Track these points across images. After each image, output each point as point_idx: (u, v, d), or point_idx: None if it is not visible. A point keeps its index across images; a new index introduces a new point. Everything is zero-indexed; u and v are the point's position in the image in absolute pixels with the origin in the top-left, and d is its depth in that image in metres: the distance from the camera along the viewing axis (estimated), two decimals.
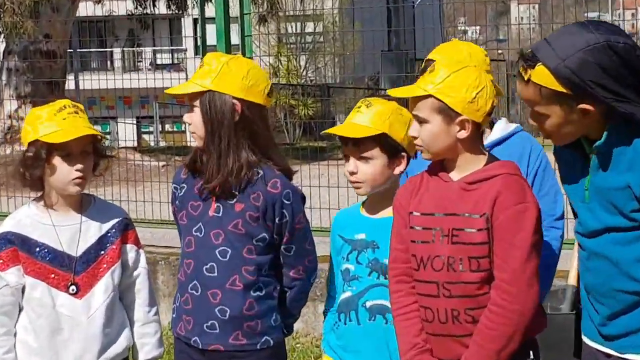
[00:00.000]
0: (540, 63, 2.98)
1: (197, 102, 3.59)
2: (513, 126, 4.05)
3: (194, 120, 3.61)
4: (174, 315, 3.77)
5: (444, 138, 3.23)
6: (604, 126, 3.03)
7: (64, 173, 3.60)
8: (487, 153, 3.32)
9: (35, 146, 3.59)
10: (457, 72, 3.23)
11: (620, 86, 2.95)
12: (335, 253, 3.73)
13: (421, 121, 3.25)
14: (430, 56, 3.83)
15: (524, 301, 3.15)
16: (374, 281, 3.58)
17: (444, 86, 3.21)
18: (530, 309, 3.16)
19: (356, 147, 3.56)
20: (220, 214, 3.63)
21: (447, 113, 3.21)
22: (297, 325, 7.22)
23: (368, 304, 3.58)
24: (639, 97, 2.97)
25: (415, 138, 3.28)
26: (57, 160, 3.59)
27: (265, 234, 3.63)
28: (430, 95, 3.21)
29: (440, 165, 3.32)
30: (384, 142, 3.55)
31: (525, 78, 3.02)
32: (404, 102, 3.48)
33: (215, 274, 3.62)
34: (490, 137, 3.90)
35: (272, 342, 3.69)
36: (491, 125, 3.96)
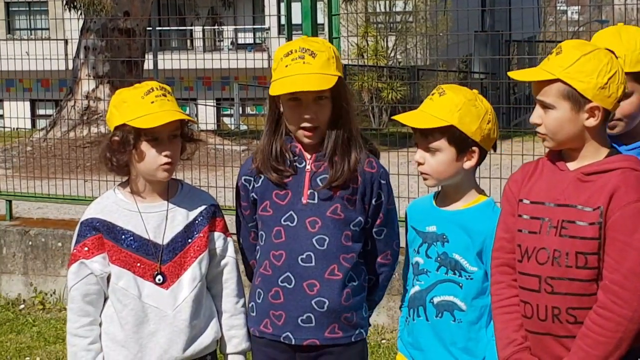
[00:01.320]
0: None
1: None
2: None
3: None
4: (253, 314, 3.75)
5: (571, 126, 3.16)
6: None
7: (152, 158, 3.61)
8: (610, 145, 3.24)
9: (122, 130, 3.59)
10: (587, 54, 3.14)
11: None
12: (409, 245, 3.71)
13: (546, 107, 3.17)
14: (601, 43, 3.42)
15: (636, 307, 3.07)
16: (442, 276, 3.55)
17: (573, 70, 3.12)
18: None
19: (424, 137, 3.52)
20: (315, 200, 3.63)
21: (576, 99, 3.13)
22: (382, 320, 7.25)
23: (435, 299, 3.56)
24: None
25: (539, 125, 3.21)
26: (145, 146, 3.60)
27: (361, 217, 3.66)
28: (557, 80, 3.14)
29: (559, 153, 3.26)
30: (452, 135, 3.48)
31: None
32: (484, 91, 3.38)
33: (313, 264, 3.62)
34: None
35: (364, 334, 3.73)
36: None
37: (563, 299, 3.16)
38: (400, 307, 3.80)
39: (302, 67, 3.52)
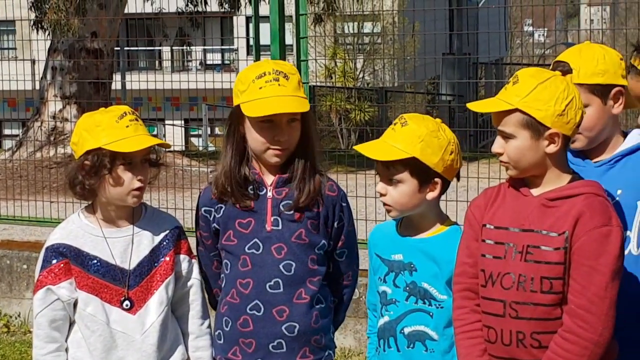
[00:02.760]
0: None
1: None
2: None
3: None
4: (220, 342, 3.75)
5: (532, 154, 3.18)
6: None
7: (126, 183, 3.60)
8: (572, 171, 3.26)
9: (97, 154, 3.58)
10: (543, 82, 3.17)
11: None
12: (373, 272, 3.69)
13: (507, 136, 3.20)
14: (560, 58, 3.64)
15: (602, 330, 3.10)
16: (412, 306, 3.53)
17: (530, 99, 3.15)
18: (607, 339, 3.11)
19: (385, 168, 3.49)
20: (279, 227, 3.63)
21: (536, 127, 3.15)
22: (349, 343, 7.24)
23: (406, 330, 3.54)
24: None
25: (501, 154, 3.24)
26: (120, 170, 3.59)
27: (325, 240, 3.68)
28: (515, 109, 3.16)
29: (522, 179, 3.27)
30: (414, 167, 3.45)
31: None
32: (448, 120, 3.41)
33: (281, 290, 3.63)
34: (623, 146, 3.73)
35: (332, 355, 3.75)
36: (625, 135, 3.80)
37: (527, 323, 3.17)
38: (368, 334, 3.79)
39: (277, 89, 3.53)
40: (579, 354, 3.10)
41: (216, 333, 3.77)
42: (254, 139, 3.60)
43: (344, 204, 3.73)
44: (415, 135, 3.45)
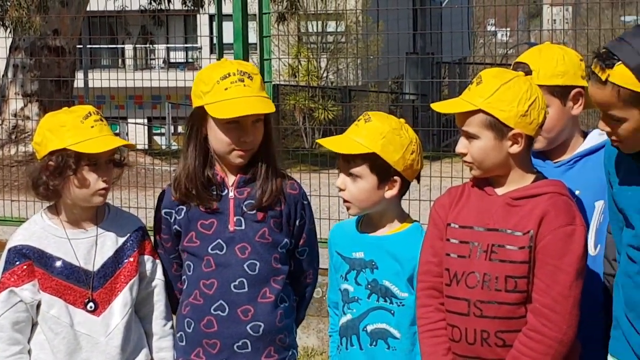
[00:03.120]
0: (620, 62, 2.91)
1: None
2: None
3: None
4: (182, 343, 3.73)
5: (496, 154, 3.20)
6: None
7: (91, 184, 3.58)
8: (536, 170, 3.29)
9: (61, 155, 3.55)
10: (506, 83, 3.19)
11: None
12: (334, 270, 3.70)
13: (470, 137, 3.22)
14: (521, 59, 3.69)
15: (566, 329, 3.12)
16: (373, 304, 3.55)
17: (494, 99, 3.17)
18: (571, 338, 3.13)
19: (346, 162, 3.51)
20: (242, 227, 3.63)
21: (499, 128, 3.18)
22: (312, 342, 7.23)
23: (369, 328, 3.55)
24: None
25: (465, 154, 3.24)
26: (85, 171, 3.57)
27: (287, 239, 3.69)
28: (479, 110, 3.18)
29: (486, 178, 3.29)
30: (373, 162, 3.47)
31: (603, 78, 2.93)
32: (412, 119, 3.43)
33: (245, 290, 3.63)
34: (583, 146, 3.75)
35: (296, 354, 3.76)
36: (585, 136, 3.82)
37: (492, 322, 3.19)
38: (330, 332, 3.79)
39: (243, 90, 3.53)
40: (543, 352, 3.11)
41: (177, 335, 3.76)
42: (219, 140, 3.59)
43: (305, 202, 3.75)
44: (378, 131, 3.47)
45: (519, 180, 3.25)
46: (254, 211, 3.62)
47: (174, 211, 3.71)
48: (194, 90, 3.62)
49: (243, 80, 3.54)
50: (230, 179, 3.66)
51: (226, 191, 3.65)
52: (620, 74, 2.90)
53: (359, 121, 3.54)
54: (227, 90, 3.52)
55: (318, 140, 3.70)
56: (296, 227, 3.73)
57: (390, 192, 3.52)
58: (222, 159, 3.64)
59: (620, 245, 3.18)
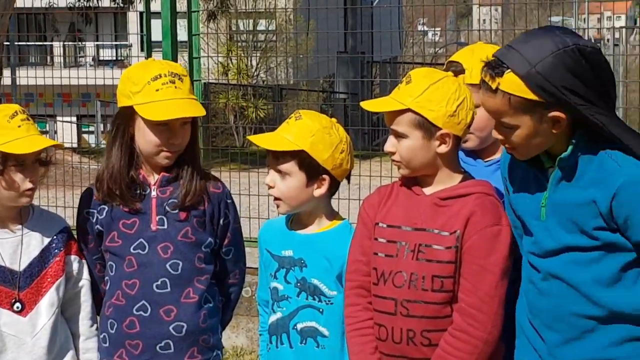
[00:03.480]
0: (509, 70, 2.93)
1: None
2: None
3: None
4: (105, 344, 3.70)
5: (424, 153, 3.22)
6: (569, 139, 3.00)
7: (19, 184, 3.53)
8: (463, 171, 3.30)
9: None
10: (435, 83, 3.20)
11: (591, 92, 2.92)
12: (264, 268, 3.70)
13: (399, 136, 3.22)
14: (454, 58, 3.70)
15: (491, 329, 3.14)
16: (303, 302, 3.55)
17: (423, 99, 3.18)
18: (496, 338, 3.16)
19: (275, 159, 3.51)
20: (165, 226, 3.61)
21: (427, 127, 3.19)
22: (242, 341, 7.21)
23: (299, 326, 3.56)
24: (607, 105, 2.95)
25: (393, 153, 3.25)
26: (12, 171, 3.52)
27: (211, 238, 3.67)
28: (408, 109, 3.19)
29: (414, 178, 3.30)
30: (302, 160, 3.47)
31: (494, 86, 2.96)
32: (343, 118, 3.43)
33: (168, 289, 3.60)
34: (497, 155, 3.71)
35: (220, 355, 3.73)
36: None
37: (418, 321, 3.20)
38: (260, 331, 3.78)
39: (175, 92, 3.51)
40: (468, 352, 3.13)
41: (101, 336, 3.72)
42: (148, 141, 3.57)
43: (228, 201, 3.74)
44: (308, 129, 3.47)
45: (447, 180, 3.26)
46: (177, 210, 3.60)
47: (96, 211, 3.68)
48: (121, 90, 3.58)
49: (174, 82, 3.52)
50: (153, 178, 3.64)
51: (148, 190, 3.63)
52: (509, 82, 2.92)
53: (290, 119, 3.54)
54: (158, 91, 3.50)
55: (249, 137, 3.71)
56: (220, 227, 3.71)
57: (319, 191, 3.52)
58: (148, 159, 3.62)
59: (522, 252, 3.20)
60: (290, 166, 3.49)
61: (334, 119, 3.58)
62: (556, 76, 2.89)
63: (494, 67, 2.96)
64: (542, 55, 2.91)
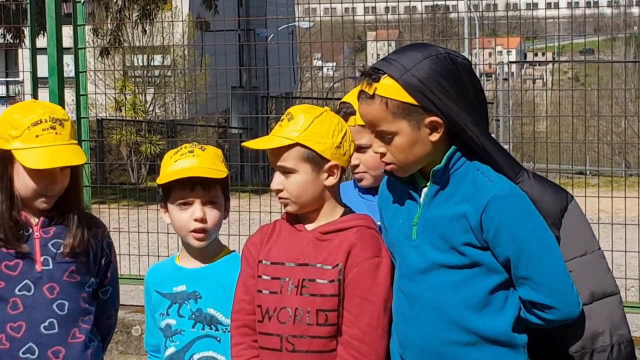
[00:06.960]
0: (386, 75, 2.99)
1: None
2: None
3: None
4: None
5: (314, 187, 3.23)
6: (444, 155, 3.05)
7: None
8: (344, 204, 3.32)
9: None
10: (319, 117, 3.24)
11: (463, 97, 3.01)
12: (153, 310, 3.68)
13: (287, 172, 3.23)
14: (346, 99, 3.73)
15: (375, 359, 3.15)
16: (199, 333, 3.54)
17: (309, 133, 3.20)
18: None
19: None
20: (50, 266, 3.56)
21: (316, 160, 3.21)
22: None
23: (195, 357, 3.54)
24: (480, 116, 3.05)
25: (280, 191, 3.25)
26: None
27: (93, 278, 3.65)
28: (295, 144, 3.20)
29: (295, 215, 3.31)
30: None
31: (371, 92, 3.01)
32: (238, 154, 3.40)
33: (56, 330, 3.55)
34: None
35: None
36: None
37: (305, 356, 3.21)
38: None
39: (55, 138, 3.48)
40: None
41: None
42: (26, 186, 3.52)
43: (109, 240, 3.74)
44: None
45: (330, 214, 3.28)
46: (61, 250, 3.56)
47: None
48: (0, 132, 3.53)
49: (55, 128, 3.49)
50: (35, 219, 3.59)
51: (30, 231, 3.58)
52: (386, 86, 2.99)
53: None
54: (38, 137, 3.47)
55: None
56: (102, 266, 3.69)
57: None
58: (26, 203, 3.57)
59: (395, 284, 3.19)
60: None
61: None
62: (430, 79, 2.97)
63: (371, 74, 3.02)
64: (417, 60, 2.99)
